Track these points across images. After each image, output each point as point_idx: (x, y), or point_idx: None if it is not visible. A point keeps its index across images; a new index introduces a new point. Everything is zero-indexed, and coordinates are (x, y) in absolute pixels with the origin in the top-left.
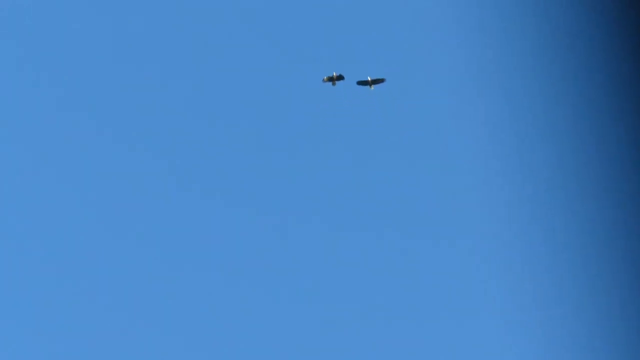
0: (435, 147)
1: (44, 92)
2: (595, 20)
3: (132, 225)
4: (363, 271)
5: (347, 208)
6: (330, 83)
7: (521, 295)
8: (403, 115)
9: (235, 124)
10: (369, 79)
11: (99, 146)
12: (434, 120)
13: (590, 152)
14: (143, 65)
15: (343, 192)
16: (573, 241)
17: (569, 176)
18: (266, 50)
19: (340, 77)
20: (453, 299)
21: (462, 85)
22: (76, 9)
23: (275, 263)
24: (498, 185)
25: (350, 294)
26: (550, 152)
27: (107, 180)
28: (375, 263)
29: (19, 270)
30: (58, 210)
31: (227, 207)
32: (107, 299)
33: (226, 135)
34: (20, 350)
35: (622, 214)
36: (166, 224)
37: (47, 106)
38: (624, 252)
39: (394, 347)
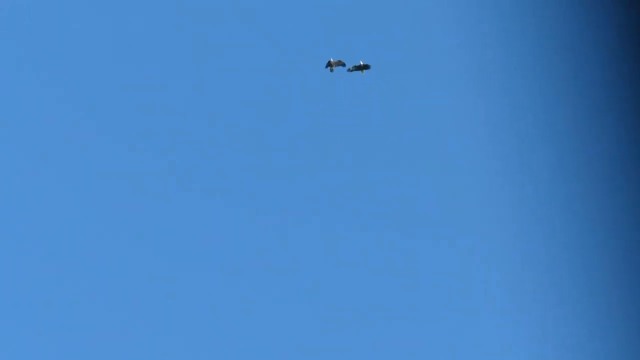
0: (435, 147)
1: (44, 92)
2: (596, 20)
3: (132, 225)
4: (363, 271)
5: (347, 208)
6: (329, 69)
7: (521, 296)
8: (402, 115)
9: (235, 124)
10: (362, 63)
11: (99, 146)
12: (434, 119)
13: (591, 152)
14: (143, 65)
15: (343, 191)
16: (573, 241)
17: (569, 176)
18: (266, 50)
19: (339, 63)
20: (453, 299)
21: (462, 84)
22: (76, 9)
23: (276, 263)
24: (498, 185)
25: (350, 293)
26: (551, 152)
27: (107, 180)
28: (375, 263)
29: (19, 270)
30: (58, 210)
31: (227, 206)
32: (107, 299)
33: (226, 135)
34: (20, 350)
35: (623, 214)
36: (166, 224)
37: (47, 106)
38: (625, 252)
39: (394, 347)
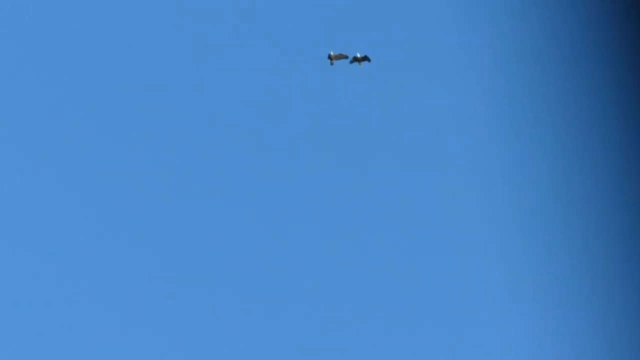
0: (436, 147)
1: (43, 92)
2: (596, 20)
3: (131, 226)
4: (364, 272)
5: (347, 209)
6: (330, 62)
7: (523, 297)
8: (403, 115)
9: (235, 124)
10: (358, 55)
11: (98, 146)
12: (434, 120)
13: (593, 152)
14: (143, 65)
15: (343, 193)
16: (575, 242)
17: (571, 177)
18: (265, 50)
19: (340, 56)
20: (454, 300)
21: (463, 84)
22: (76, 9)
23: (276, 266)
24: (499, 186)
25: (352, 296)
26: (552, 153)
27: (106, 181)
28: (376, 263)
29: (18, 272)
30: (57, 211)
31: (227, 208)
32: (105, 300)
33: (226, 136)
34: (20, 350)
35: (624, 215)
36: (165, 225)
37: (46, 106)
38: (626, 253)
39: (394, 350)
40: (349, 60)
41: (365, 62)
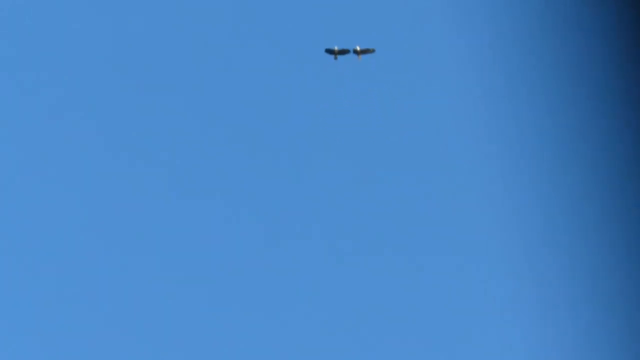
0: (436, 148)
1: (42, 92)
2: (599, 20)
3: (129, 228)
4: (365, 272)
5: (346, 209)
6: (333, 56)
7: (523, 297)
8: (403, 115)
9: (234, 125)
10: (358, 48)
11: (98, 146)
12: (434, 120)
13: (593, 152)
14: (143, 65)
15: (342, 193)
16: (575, 242)
17: (571, 177)
18: (265, 49)
19: (342, 52)
20: (454, 300)
21: (463, 84)
22: (76, 9)
23: (275, 266)
24: (499, 186)
25: (352, 296)
26: (552, 153)
27: (105, 182)
28: (377, 264)
29: (18, 272)
30: (56, 211)
31: (226, 208)
32: (104, 300)
33: (225, 136)
34: (19, 350)
35: (624, 214)
36: (164, 228)
37: (46, 107)
38: (627, 252)
39: (394, 350)
40: (351, 53)
41: (368, 55)
